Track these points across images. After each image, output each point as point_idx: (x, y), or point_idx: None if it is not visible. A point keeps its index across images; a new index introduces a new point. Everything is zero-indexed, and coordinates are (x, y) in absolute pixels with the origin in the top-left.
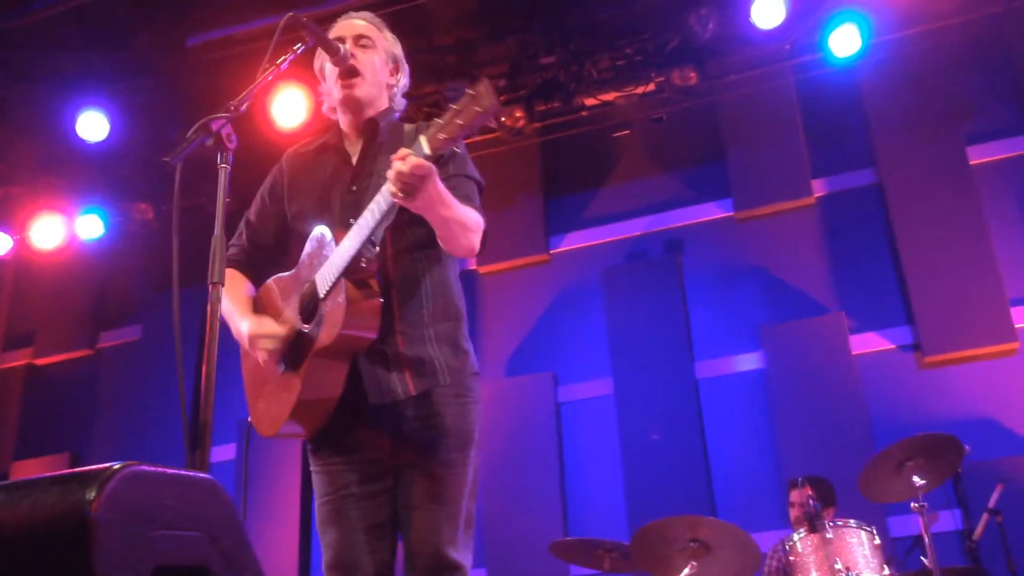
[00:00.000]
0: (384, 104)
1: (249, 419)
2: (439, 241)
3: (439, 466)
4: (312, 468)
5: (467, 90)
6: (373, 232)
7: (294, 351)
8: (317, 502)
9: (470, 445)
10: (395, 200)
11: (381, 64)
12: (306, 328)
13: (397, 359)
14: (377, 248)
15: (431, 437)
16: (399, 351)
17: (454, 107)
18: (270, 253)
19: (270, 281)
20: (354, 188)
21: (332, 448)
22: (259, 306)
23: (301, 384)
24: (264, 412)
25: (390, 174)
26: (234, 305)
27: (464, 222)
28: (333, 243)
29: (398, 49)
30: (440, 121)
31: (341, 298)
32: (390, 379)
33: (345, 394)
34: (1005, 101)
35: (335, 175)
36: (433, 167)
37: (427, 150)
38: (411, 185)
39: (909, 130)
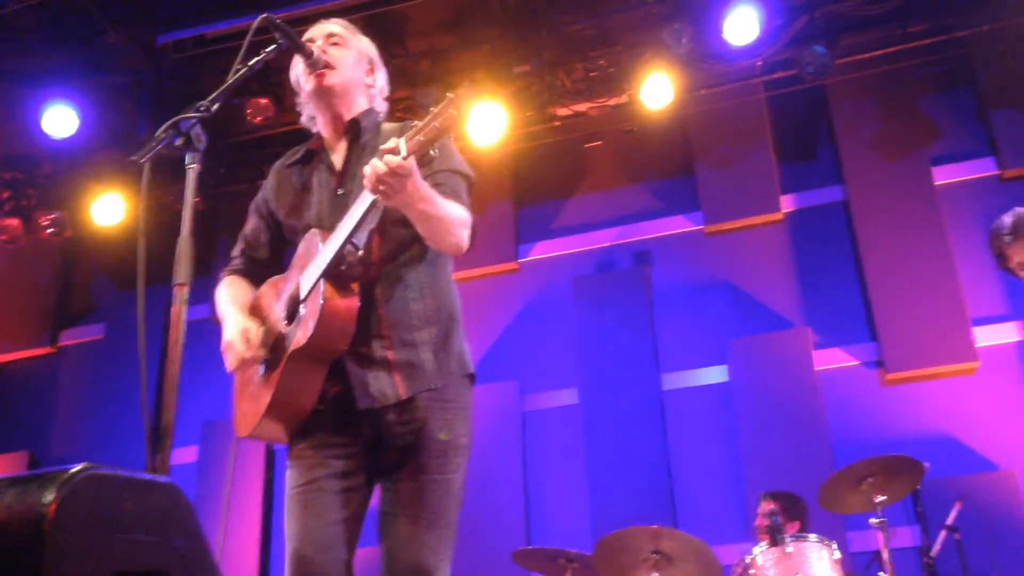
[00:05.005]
0: (363, 104)
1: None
2: (423, 238)
3: (420, 473)
4: (287, 461)
5: (448, 94)
6: (354, 233)
7: (275, 351)
8: (287, 493)
9: (455, 453)
10: (375, 198)
11: (355, 62)
12: (286, 329)
13: (386, 363)
14: (361, 251)
15: (413, 443)
16: (387, 355)
17: (433, 110)
18: (266, 265)
19: (267, 282)
20: (340, 192)
21: (309, 442)
22: (256, 308)
23: (276, 385)
24: (243, 413)
25: (367, 171)
26: (228, 305)
27: (446, 218)
28: (320, 245)
29: (373, 51)
30: (419, 123)
31: (319, 300)
32: (379, 383)
33: (329, 396)
34: (970, 123)
35: (320, 181)
36: (411, 166)
37: (404, 151)
38: (388, 184)
39: (876, 149)
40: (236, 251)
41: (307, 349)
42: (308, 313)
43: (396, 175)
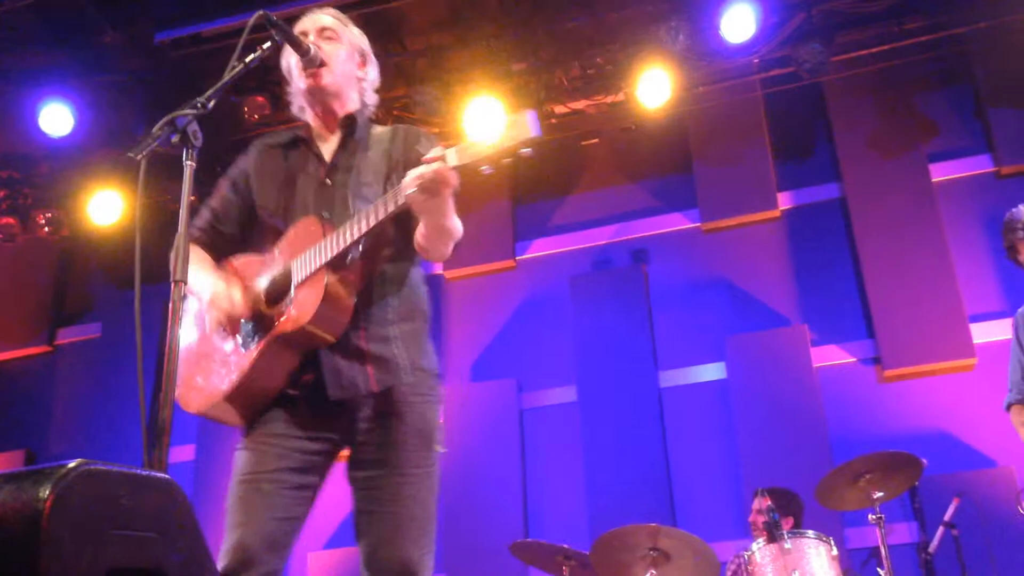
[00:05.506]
0: (356, 101)
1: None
2: (423, 243)
3: (400, 467)
4: (240, 447)
5: (508, 116)
6: (371, 230)
7: (248, 330)
8: (234, 480)
9: (432, 445)
10: (408, 198)
11: (347, 56)
12: (268, 311)
13: (360, 355)
14: (361, 247)
15: (392, 436)
16: (362, 347)
17: (496, 132)
18: (231, 240)
19: (240, 260)
20: (328, 182)
21: (272, 430)
22: (229, 282)
23: (249, 365)
24: (199, 388)
25: (412, 172)
26: (200, 265)
27: (452, 232)
28: (321, 233)
29: (365, 43)
30: (475, 140)
31: (319, 289)
32: (352, 374)
33: (300, 383)
34: (967, 120)
35: (306, 169)
36: (455, 179)
37: (455, 162)
38: (431, 190)
39: (873, 146)
40: (201, 221)
41: (292, 336)
42: (303, 298)
43: (442, 183)
